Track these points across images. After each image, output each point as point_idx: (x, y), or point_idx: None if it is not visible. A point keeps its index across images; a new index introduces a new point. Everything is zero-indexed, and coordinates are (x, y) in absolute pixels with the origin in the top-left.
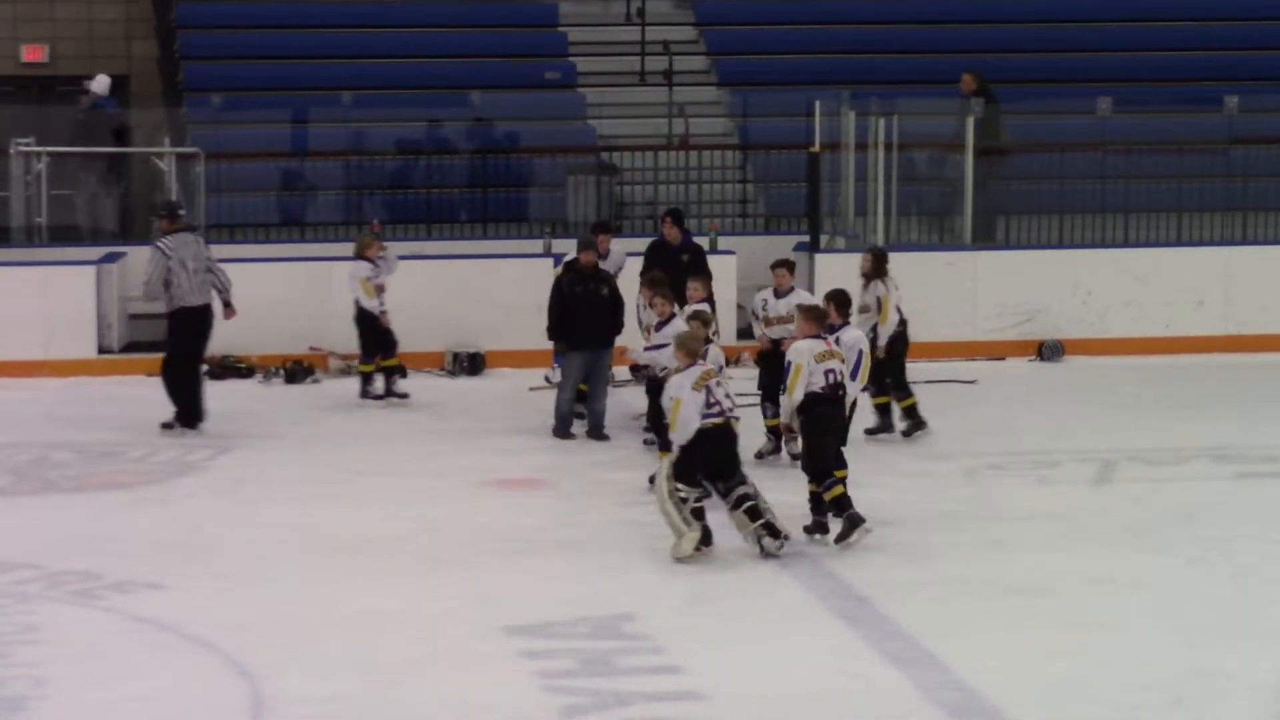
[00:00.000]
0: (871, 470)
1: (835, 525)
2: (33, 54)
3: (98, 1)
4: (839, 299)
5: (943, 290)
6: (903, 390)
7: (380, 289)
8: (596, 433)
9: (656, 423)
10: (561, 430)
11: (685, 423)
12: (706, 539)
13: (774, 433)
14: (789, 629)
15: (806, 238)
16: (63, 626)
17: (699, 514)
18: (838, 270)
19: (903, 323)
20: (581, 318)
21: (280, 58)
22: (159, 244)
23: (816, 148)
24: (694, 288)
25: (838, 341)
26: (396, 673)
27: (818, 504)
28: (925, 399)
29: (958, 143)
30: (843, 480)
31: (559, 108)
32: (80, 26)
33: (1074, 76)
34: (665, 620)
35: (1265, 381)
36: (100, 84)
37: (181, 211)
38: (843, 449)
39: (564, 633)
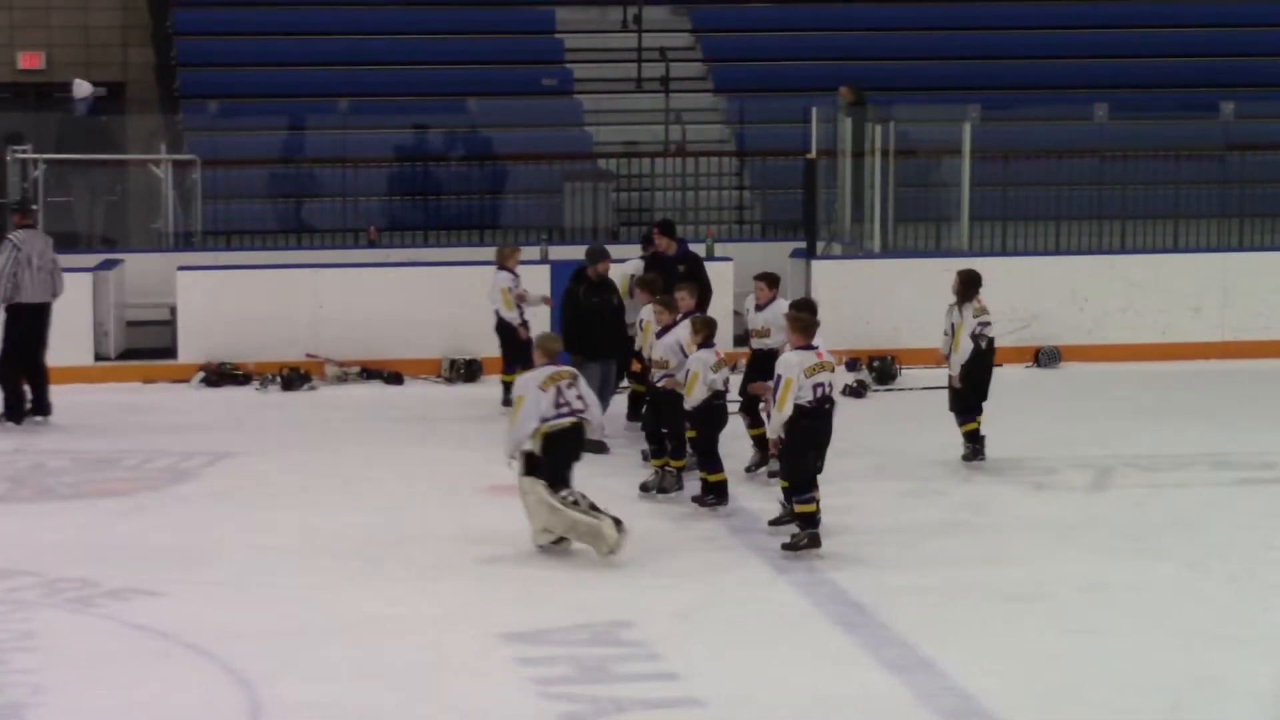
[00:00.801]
0: (868, 476)
1: (787, 533)
2: (29, 61)
3: (94, 8)
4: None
5: (939, 296)
6: (965, 414)
7: (520, 299)
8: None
9: (652, 432)
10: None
11: (523, 421)
12: (618, 524)
13: (759, 443)
14: (786, 635)
15: (803, 244)
16: (60, 633)
17: (593, 508)
18: (834, 277)
19: (983, 350)
20: (599, 328)
21: (277, 64)
22: (10, 237)
23: (813, 154)
24: (681, 296)
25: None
26: (394, 679)
27: (806, 518)
28: (922, 405)
29: (954, 148)
30: (818, 498)
31: (556, 114)
32: (76, 33)
33: (1071, 83)
34: (663, 627)
35: (1262, 387)
36: (81, 88)
37: (34, 207)
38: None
39: (561, 639)
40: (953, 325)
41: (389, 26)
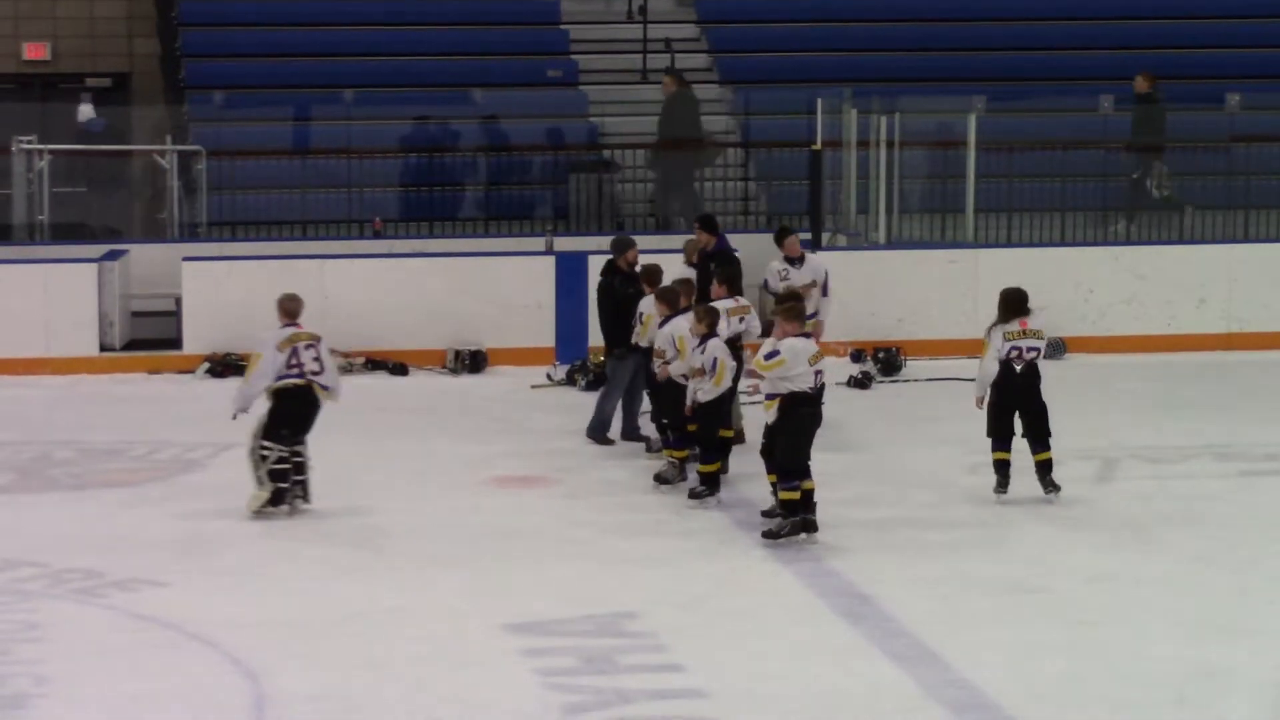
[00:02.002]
0: (873, 468)
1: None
2: (34, 52)
3: None
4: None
5: (944, 288)
6: (995, 441)
7: None
8: (635, 434)
9: (660, 421)
10: (599, 434)
11: (255, 378)
12: (276, 500)
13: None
14: (791, 627)
15: (808, 235)
16: (65, 624)
17: (277, 475)
18: (839, 268)
19: (1017, 374)
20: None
21: (282, 55)
22: None
23: (818, 145)
24: (714, 289)
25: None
26: (398, 670)
27: (789, 505)
28: (927, 397)
29: (959, 140)
30: (808, 488)
31: (561, 105)
32: (82, 24)
33: (1075, 74)
34: (667, 618)
35: (1267, 379)
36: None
37: None
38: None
39: (566, 630)
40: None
41: (394, 17)
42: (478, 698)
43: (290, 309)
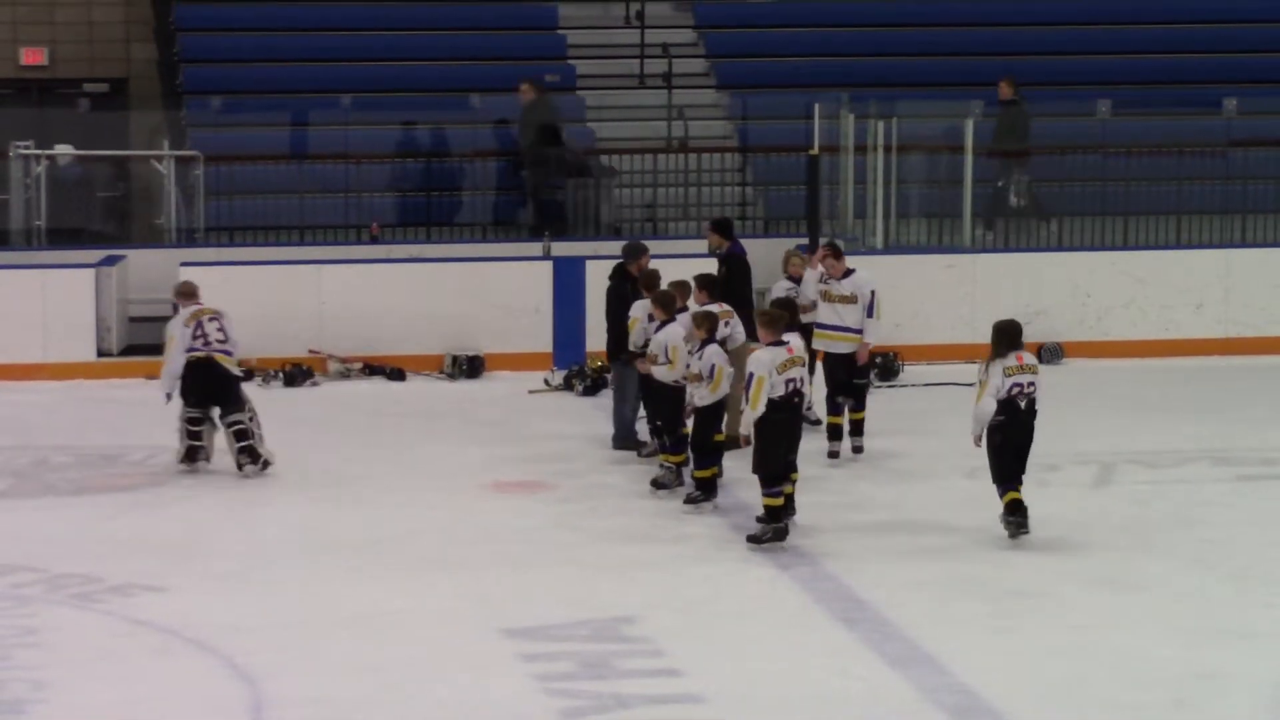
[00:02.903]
0: (871, 473)
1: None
2: (32, 57)
3: (97, 4)
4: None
5: (942, 293)
6: (1004, 483)
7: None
8: (631, 440)
9: (655, 426)
10: (623, 441)
11: (173, 356)
12: (191, 456)
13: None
14: (789, 631)
15: (806, 240)
16: (63, 629)
17: (192, 434)
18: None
19: (1022, 411)
20: None
21: (279, 60)
22: None
23: (815, 150)
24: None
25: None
26: (396, 674)
27: (771, 511)
28: (924, 402)
29: (956, 145)
30: (788, 492)
31: (559, 111)
32: (80, 30)
33: (1073, 79)
34: (665, 623)
35: (1264, 383)
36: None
37: None
38: (794, 457)
39: (563, 635)
40: (979, 382)
41: (392, 22)
42: (476, 702)
43: (187, 290)
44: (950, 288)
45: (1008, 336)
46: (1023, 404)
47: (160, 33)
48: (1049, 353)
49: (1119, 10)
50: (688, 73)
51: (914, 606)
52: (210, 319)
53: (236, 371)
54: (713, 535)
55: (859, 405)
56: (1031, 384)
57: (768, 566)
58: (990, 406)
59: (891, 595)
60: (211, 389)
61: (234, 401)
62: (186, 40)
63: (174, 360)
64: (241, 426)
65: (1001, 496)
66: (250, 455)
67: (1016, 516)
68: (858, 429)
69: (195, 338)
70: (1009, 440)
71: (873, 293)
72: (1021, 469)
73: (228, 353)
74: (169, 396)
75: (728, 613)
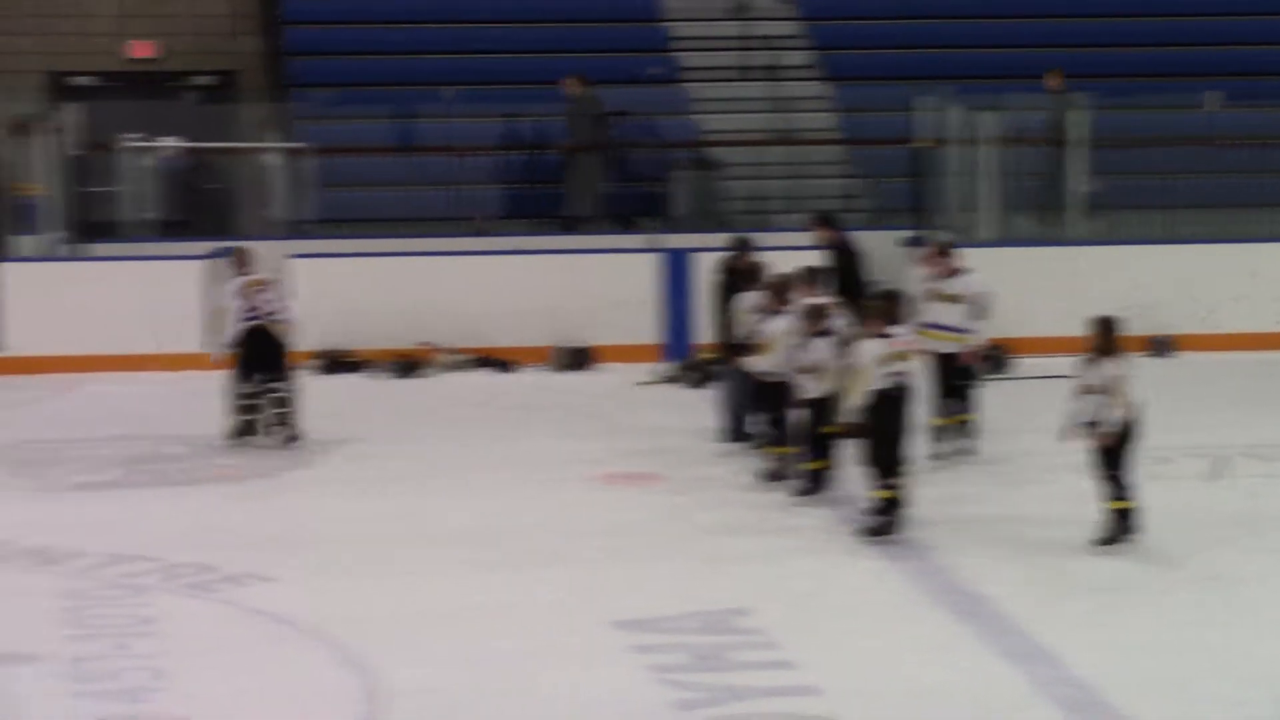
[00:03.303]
0: (979, 466)
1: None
2: (142, 50)
3: None
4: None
5: (1050, 285)
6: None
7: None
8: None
9: (763, 418)
10: (732, 433)
11: (228, 325)
12: (245, 431)
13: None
14: (901, 624)
15: (912, 232)
16: (179, 619)
17: (247, 409)
18: None
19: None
20: None
21: (386, 53)
22: None
23: (921, 142)
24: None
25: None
26: (508, 666)
27: (883, 504)
28: (1032, 394)
29: (1061, 137)
30: (897, 485)
31: (663, 103)
32: (188, 22)
33: (1178, 70)
34: (777, 615)
35: None
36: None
37: None
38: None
39: (675, 627)
40: (1103, 382)
41: (496, 15)
42: (587, 694)
43: (243, 260)
44: (1058, 280)
45: (1110, 332)
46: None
47: (268, 26)
48: (1159, 345)
49: (1226, 1)
50: (792, 65)
51: (1025, 599)
52: (260, 290)
53: (286, 340)
54: (822, 527)
55: (966, 407)
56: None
57: (877, 559)
58: (1086, 405)
59: (1002, 588)
60: (264, 355)
61: (280, 370)
62: (294, 33)
63: (229, 330)
64: (282, 395)
65: (1111, 501)
66: (283, 423)
67: (1126, 521)
68: (964, 430)
69: (250, 309)
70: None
71: (981, 293)
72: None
73: (280, 321)
74: (214, 359)
75: (838, 605)
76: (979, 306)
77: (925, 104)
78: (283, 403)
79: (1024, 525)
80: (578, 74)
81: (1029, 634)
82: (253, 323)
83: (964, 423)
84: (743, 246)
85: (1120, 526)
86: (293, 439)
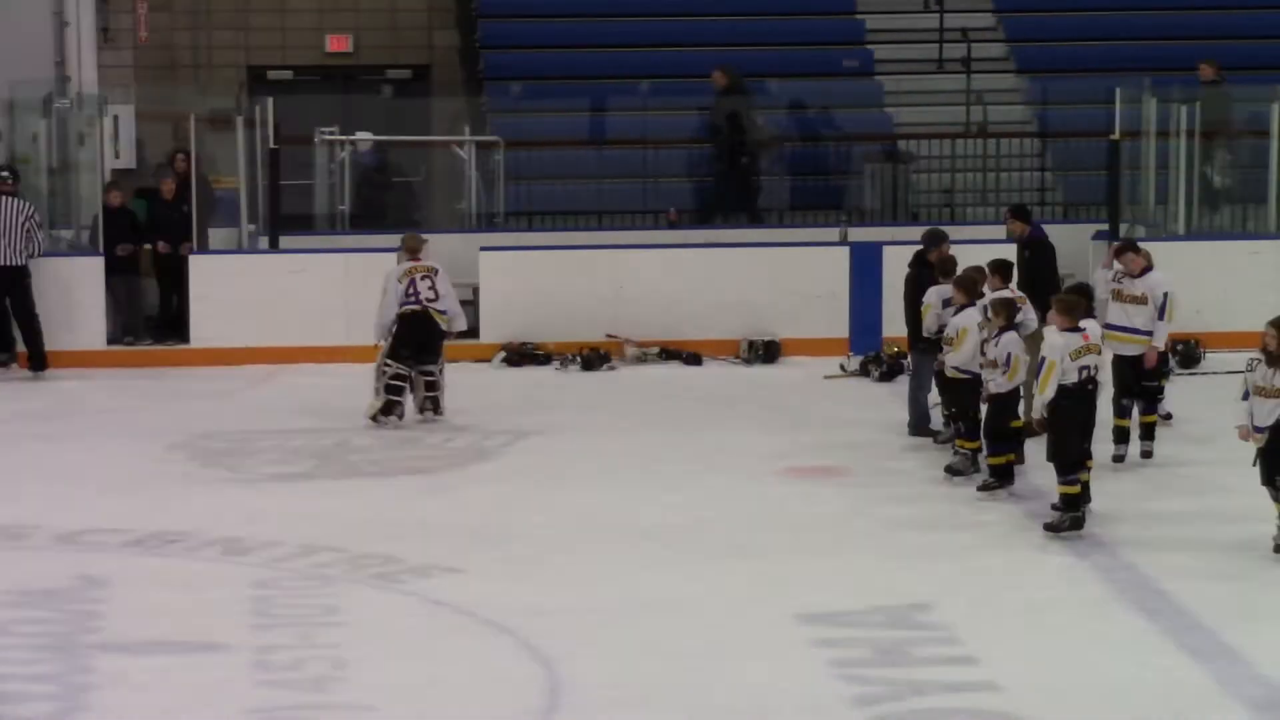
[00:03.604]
0: (1169, 461)
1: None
2: (337, 44)
3: None
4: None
5: (1246, 279)
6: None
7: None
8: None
9: (949, 412)
10: (919, 427)
11: (386, 308)
12: (387, 410)
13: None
14: (1086, 620)
15: (1106, 226)
16: (363, 609)
17: (391, 389)
18: None
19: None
20: None
21: (579, 46)
22: None
23: (1117, 135)
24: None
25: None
26: (690, 659)
27: (1068, 499)
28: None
29: (1263, 129)
30: (1085, 480)
31: (856, 95)
32: (383, 17)
33: None
34: (961, 611)
35: None
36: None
37: (3, 174)
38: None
39: (858, 622)
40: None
41: (690, 8)
42: (770, 687)
43: (412, 246)
44: (1253, 274)
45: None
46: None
47: (462, 20)
48: None
49: None
50: (987, 57)
51: (1214, 597)
52: (423, 276)
53: (445, 327)
54: (1008, 522)
55: (1149, 408)
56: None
57: (1065, 555)
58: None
59: (1191, 584)
60: (422, 341)
61: (434, 354)
62: (488, 27)
63: (386, 312)
64: (433, 378)
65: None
66: (434, 405)
67: None
68: (1148, 432)
69: (409, 294)
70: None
71: (1166, 294)
72: None
73: (441, 310)
74: (377, 342)
75: (1024, 601)
76: (1162, 309)
77: (1121, 96)
78: (434, 385)
79: (1215, 521)
80: (722, 66)
81: (1218, 631)
82: (412, 308)
83: (1147, 425)
84: (935, 240)
85: None
86: (440, 412)
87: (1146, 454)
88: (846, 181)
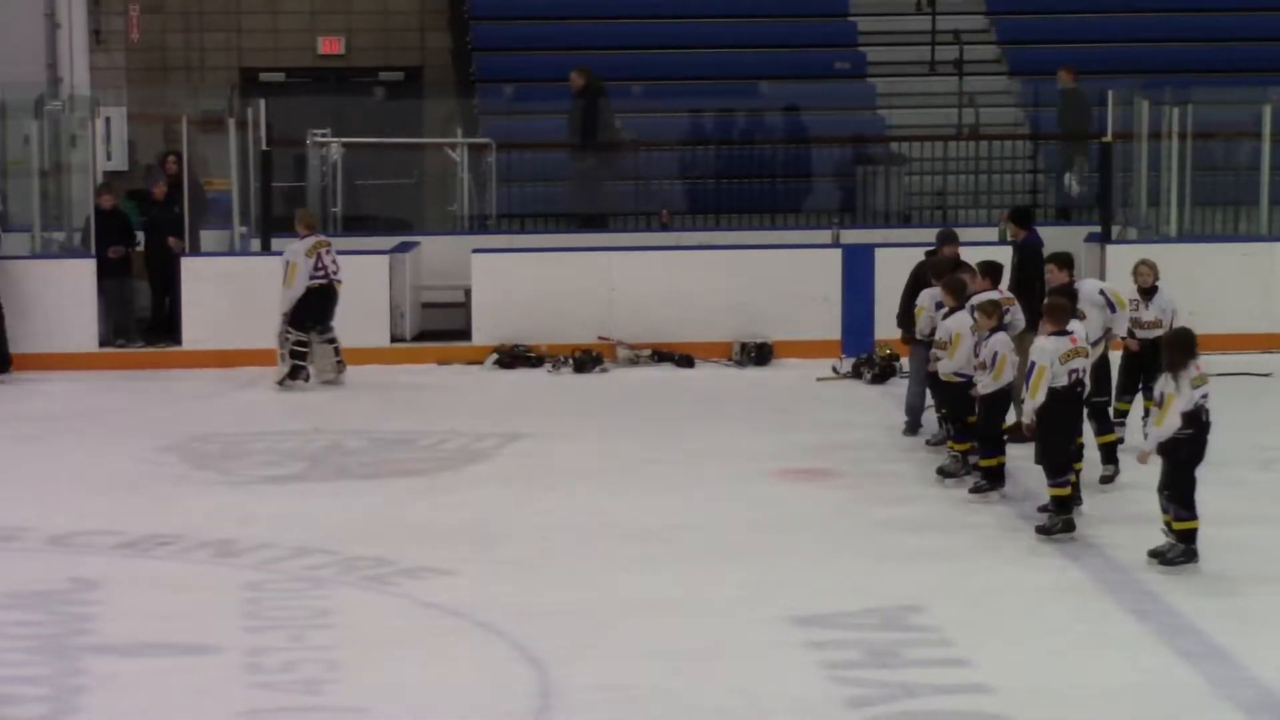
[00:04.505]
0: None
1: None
2: (329, 46)
3: None
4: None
5: (1238, 280)
6: (1185, 508)
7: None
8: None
9: (941, 414)
10: (912, 427)
11: (297, 282)
12: (294, 374)
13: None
14: (1078, 622)
15: (1098, 228)
16: (355, 611)
17: (296, 355)
18: (1129, 262)
19: (1204, 425)
20: None
21: (570, 49)
22: None
23: (1109, 137)
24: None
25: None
26: (683, 661)
27: (1059, 502)
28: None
29: (1253, 131)
30: (1073, 482)
31: (848, 97)
32: (376, 19)
33: None
34: (953, 613)
35: None
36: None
37: None
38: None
39: (850, 623)
40: (1162, 395)
41: (681, 10)
42: (762, 689)
43: (309, 222)
44: (1246, 276)
45: (1190, 346)
46: (1204, 417)
47: (454, 22)
48: None
49: None
50: (979, 59)
51: (1206, 598)
52: (326, 251)
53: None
54: (1000, 524)
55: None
56: (1206, 395)
57: (1056, 557)
58: (1176, 422)
59: (1182, 586)
60: (325, 310)
61: (330, 320)
62: (480, 29)
63: (297, 286)
64: (336, 343)
65: (1182, 521)
66: (342, 366)
67: (1185, 545)
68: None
69: (317, 268)
70: (1192, 457)
71: (1174, 313)
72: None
73: (339, 280)
74: (283, 315)
75: (1016, 603)
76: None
77: (1113, 99)
78: (338, 351)
79: (1208, 523)
80: (581, 67)
81: (1210, 634)
82: (320, 281)
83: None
84: (946, 240)
85: None
86: (340, 376)
87: (1105, 478)
88: (839, 184)
